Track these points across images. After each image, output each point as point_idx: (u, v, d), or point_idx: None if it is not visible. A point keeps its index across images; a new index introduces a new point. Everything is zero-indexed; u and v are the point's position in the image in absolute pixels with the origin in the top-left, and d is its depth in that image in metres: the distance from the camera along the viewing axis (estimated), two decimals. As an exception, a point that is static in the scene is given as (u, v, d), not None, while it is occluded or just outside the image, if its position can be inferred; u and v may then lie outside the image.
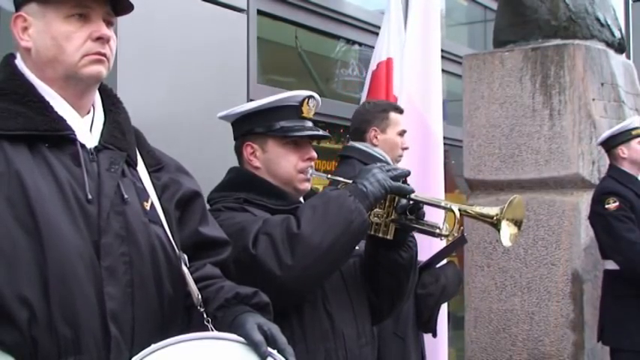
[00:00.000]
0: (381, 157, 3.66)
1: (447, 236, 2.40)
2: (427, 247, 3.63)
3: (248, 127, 2.52)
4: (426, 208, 2.45)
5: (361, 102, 4.79)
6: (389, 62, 5.13)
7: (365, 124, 3.79)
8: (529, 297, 5.10)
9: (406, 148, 3.92)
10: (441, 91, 4.80)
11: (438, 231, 2.41)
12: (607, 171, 4.75)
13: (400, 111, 3.92)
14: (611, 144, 4.67)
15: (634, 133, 4.60)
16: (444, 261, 3.53)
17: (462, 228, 2.43)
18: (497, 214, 2.36)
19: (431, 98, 4.74)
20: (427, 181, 4.45)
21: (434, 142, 4.70)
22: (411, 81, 4.67)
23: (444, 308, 4.35)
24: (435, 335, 3.58)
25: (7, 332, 1.56)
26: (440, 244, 3.36)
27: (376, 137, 3.75)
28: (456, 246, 3.57)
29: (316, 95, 2.56)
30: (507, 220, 2.36)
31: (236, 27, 4.86)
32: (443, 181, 4.62)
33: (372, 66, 5.30)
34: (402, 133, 3.83)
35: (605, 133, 4.75)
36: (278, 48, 6.09)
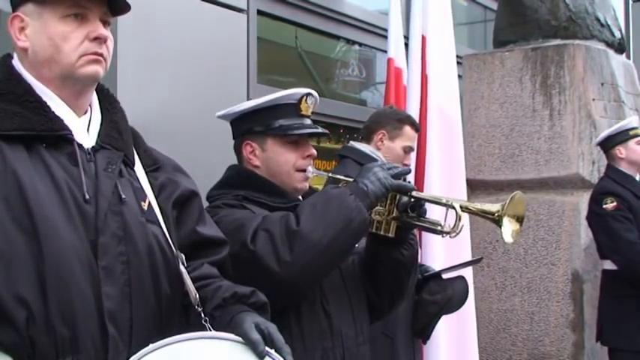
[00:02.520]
0: (376, 157, 3.62)
1: (448, 233, 2.40)
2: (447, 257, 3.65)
3: (247, 126, 2.52)
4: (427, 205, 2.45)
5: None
6: (390, 62, 5.13)
7: (377, 125, 3.75)
8: (529, 297, 5.10)
9: (406, 165, 3.86)
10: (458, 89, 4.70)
11: (439, 228, 2.41)
12: (605, 171, 4.75)
13: (416, 129, 3.86)
14: (609, 144, 4.67)
15: (632, 133, 4.60)
16: (455, 273, 3.52)
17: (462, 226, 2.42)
18: (498, 211, 2.35)
19: (452, 98, 4.67)
20: (455, 179, 4.34)
21: (457, 140, 4.60)
22: (435, 82, 4.58)
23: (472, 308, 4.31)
24: (425, 342, 3.56)
25: (5, 332, 1.56)
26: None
27: (382, 141, 3.71)
28: (472, 263, 3.58)
29: (314, 92, 2.56)
30: (509, 216, 2.36)
31: (236, 27, 4.87)
32: (464, 178, 4.48)
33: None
34: (407, 150, 3.77)
35: (603, 134, 4.75)
36: (278, 48, 6.09)
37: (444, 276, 3.43)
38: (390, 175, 2.35)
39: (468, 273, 3.98)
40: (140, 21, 3.70)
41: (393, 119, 3.76)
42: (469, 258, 3.96)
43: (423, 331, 3.41)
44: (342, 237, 2.26)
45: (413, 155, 4.12)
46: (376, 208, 2.39)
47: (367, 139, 3.77)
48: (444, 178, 4.17)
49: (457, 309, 3.51)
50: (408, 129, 3.76)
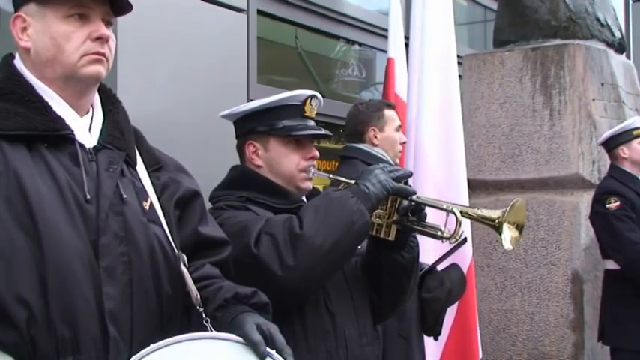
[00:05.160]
0: (382, 157, 3.66)
1: (448, 238, 2.39)
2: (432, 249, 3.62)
3: (250, 126, 2.52)
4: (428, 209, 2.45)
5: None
6: (390, 62, 5.12)
7: (362, 125, 3.79)
8: (529, 297, 5.10)
9: (404, 143, 3.92)
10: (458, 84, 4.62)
11: (439, 233, 2.40)
12: (608, 171, 4.75)
13: (392, 107, 3.93)
14: (611, 144, 4.67)
15: (635, 133, 4.60)
16: (447, 262, 3.52)
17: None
18: (498, 217, 2.35)
19: (452, 98, 4.59)
20: (455, 179, 4.26)
21: (458, 141, 4.51)
22: (436, 82, 4.51)
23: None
24: (436, 338, 3.57)
25: (6, 332, 1.56)
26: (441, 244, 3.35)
27: (376, 137, 3.75)
28: (458, 246, 3.57)
29: (319, 94, 2.56)
30: (509, 223, 2.35)
31: (236, 27, 4.87)
32: (465, 178, 4.38)
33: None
34: (398, 129, 3.83)
35: (606, 134, 4.75)
36: (278, 48, 6.09)
37: (438, 267, 3.44)
38: (391, 178, 2.35)
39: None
40: (140, 21, 3.69)
41: (372, 112, 3.80)
42: (469, 255, 3.95)
43: (433, 328, 3.42)
44: (344, 240, 2.26)
45: (412, 156, 4.12)
46: (377, 211, 2.39)
47: (360, 141, 3.79)
48: (443, 178, 4.14)
49: (459, 297, 3.53)
50: (387, 112, 3.82)
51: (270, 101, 2.49)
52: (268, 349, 1.65)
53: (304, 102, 2.50)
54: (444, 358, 3.92)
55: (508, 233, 2.35)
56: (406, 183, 2.47)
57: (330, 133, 2.64)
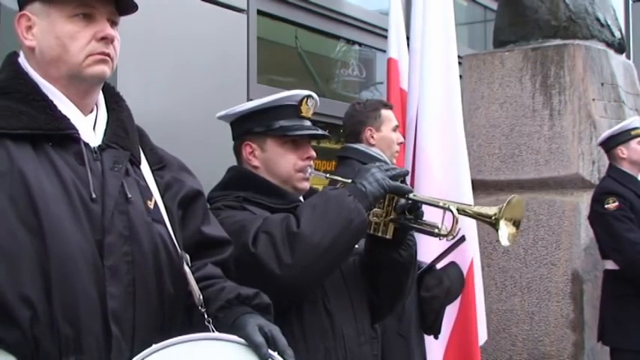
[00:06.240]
0: (379, 157, 3.65)
1: (445, 236, 2.40)
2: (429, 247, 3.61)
3: (247, 127, 2.52)
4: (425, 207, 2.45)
5: None
6: (390, 63, 5.12)
7: (359, 125, 3.79)
8: (529, 297, 5.10)
9: (401, 143, 3.91)
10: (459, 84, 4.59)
11: (436, 231, 2.41)
12: (607, 171, 4.75)
13: (390, 107, 3.93)
14: (610, 144, 4.67)
15: (633, 133, 4.60)
16: (446, 261, 3.53)
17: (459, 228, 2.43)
18: (495, 214, 2.36)
19: (453, 98, 4.56)
20: (458, 179, 4.23)
21: (460, 141, 4.47)
22: (433, 75, 4.48)
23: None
24: (436, 337, 3.57)
25: (9, 331, 1.56)
26: (440, 243, 3.36)
27: (372, 137, 3.75)
28: (456, 245, 3.57)
29: (315, 95, 2.57)
30: (506, 219, 2.36)
31: (236, 27, 4.87)
32: (469, 178, 4.34)
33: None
34: (395, 129, 3.83)
35: (605, 134, 4.75)
36: (278, 48, 6.09)
37: (437, 266, 3.44)
38: (387, 177, 2.36)
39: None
40: (141, 21, 3.68)
41: (369, 112, 3.80)
42: (472, 254, 3.95)
43: (433, 327, 3.42)
44: (342, 238, 2.26)
45: (410, 156, 4.12)
46: (374, 209, 2.40)
47: (357, 141, 3.79)
48: (446, 179, 4.13)
49: (458, 295, 3.54)
50: (384, 112, 3.81)
51: (266, 102, 2.50)
52: (270, 351, 1.65)
53: (300, 102, 2.51)
54: (446, 357, 3.92)
55: (505, 230, 2.35)
56: (403, 182, 2.47)
57: (327, 133, 2.65)
